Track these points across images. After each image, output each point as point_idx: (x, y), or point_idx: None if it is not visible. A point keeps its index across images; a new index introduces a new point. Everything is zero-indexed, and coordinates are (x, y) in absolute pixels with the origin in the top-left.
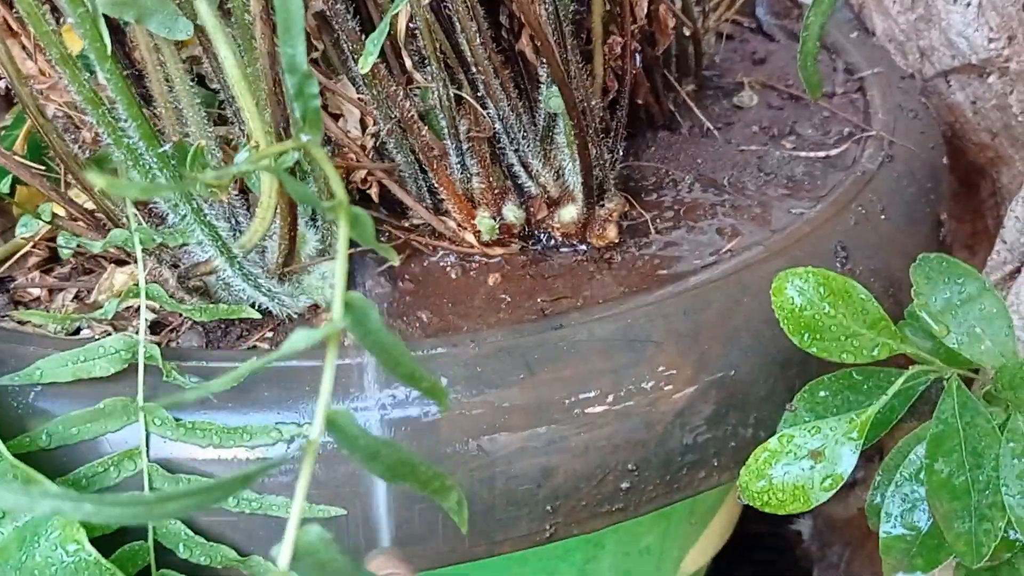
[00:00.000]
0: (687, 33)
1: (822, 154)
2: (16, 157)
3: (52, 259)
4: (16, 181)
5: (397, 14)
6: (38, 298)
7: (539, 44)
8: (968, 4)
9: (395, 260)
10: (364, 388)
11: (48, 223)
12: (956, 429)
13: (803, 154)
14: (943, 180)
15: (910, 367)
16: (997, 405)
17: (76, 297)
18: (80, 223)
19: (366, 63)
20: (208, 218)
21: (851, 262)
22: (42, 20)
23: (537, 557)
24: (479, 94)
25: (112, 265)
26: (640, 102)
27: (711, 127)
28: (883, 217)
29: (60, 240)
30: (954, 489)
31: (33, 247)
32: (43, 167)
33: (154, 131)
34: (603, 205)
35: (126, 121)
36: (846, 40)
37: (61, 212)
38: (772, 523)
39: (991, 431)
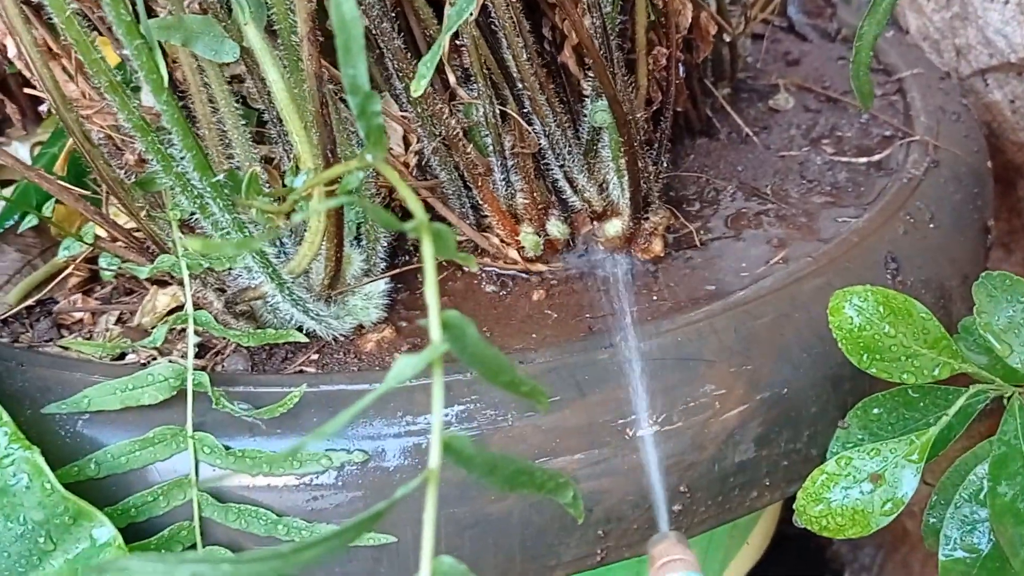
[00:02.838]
0: (726, 39)
1: (864, 159)
2: (58, 181)
3: (92, 278)
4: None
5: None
6: (81, 320)
7: (588, 60)
8: (1006, 1)
9: (473, 266)
10: (414, 411)
11: (90, 245)
12: (1019, 450)
13: (845, 159)
14: (988, 185)
15: (970, 385)
16: None
17: (119, 319)
18: (120, 244)
19: (419, 86)
20: None
21: (902, 273)
22: (91, 48)
23: None
24: (524, 110)
25: (154, 286)
26: (679, 109)
27: (749, 132)
28: (932, 225)
29: (102, 262)
30: (1019, 513)
31: (74, 268)
32: (82, 187)
33: (207, 160)
34: (648, 218)
35: (180, 150)
36: (881, 39)
37: (102, 233)
38: None
39: None
